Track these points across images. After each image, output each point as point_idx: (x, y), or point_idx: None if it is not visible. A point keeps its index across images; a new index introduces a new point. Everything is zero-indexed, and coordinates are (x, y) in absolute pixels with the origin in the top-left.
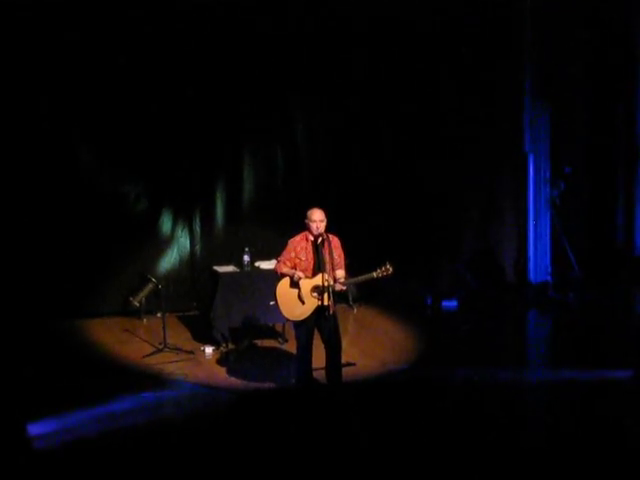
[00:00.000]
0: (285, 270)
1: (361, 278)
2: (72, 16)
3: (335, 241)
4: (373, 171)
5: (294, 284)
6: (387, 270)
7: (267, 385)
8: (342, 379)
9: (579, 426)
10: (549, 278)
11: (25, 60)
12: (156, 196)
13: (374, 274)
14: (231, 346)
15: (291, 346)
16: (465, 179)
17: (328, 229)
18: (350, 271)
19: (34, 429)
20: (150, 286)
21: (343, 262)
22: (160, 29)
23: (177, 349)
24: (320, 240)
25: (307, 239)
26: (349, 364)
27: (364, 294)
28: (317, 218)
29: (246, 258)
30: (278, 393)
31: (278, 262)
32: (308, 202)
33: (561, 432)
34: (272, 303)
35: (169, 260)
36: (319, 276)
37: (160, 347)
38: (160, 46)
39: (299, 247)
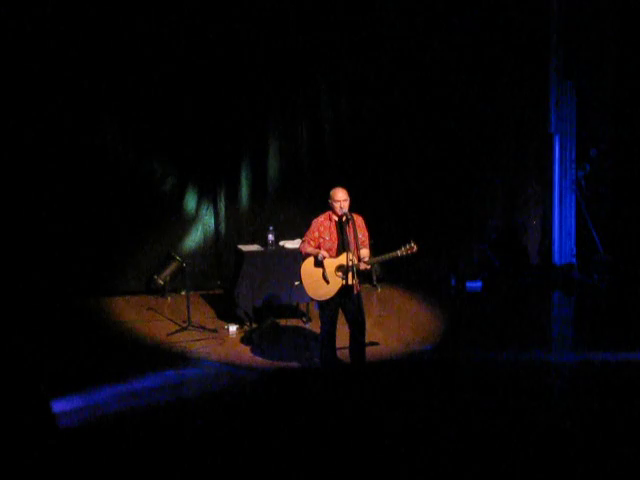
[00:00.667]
0: (309, 250)
1: (386, 256)
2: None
3: (359, 220)
4: (398, 152)
5: (318, 264)
6: (412, 248)
7: (291, 364)
8: (366, 359)
9: (604, 408)
10: (574, 260)
11: (54, 42)
12: (181, 175)
13: (398, 252)
14: (255, 325)
15: (315, 326)
16: (490, 160)
17: (353, 209)
18: (374, 251)
19: (59, 406)
20: (175, 264)
21: (367, 241)
22: (186, 10)
23: (201, 327)
24: (344, 219)
25: (330, 219)
26: (372, 343)
27: (388, 274)
28: (341, 197)
29: (270, 237)
30: (302, 372)
31: (302, 242)
32: (333, 181)
33: (586, 413)
34: (297, 283)
35: (194, 239)
36: (343, 255)
37: (184, 325)
38: (185, 27)
39: (322, 227)
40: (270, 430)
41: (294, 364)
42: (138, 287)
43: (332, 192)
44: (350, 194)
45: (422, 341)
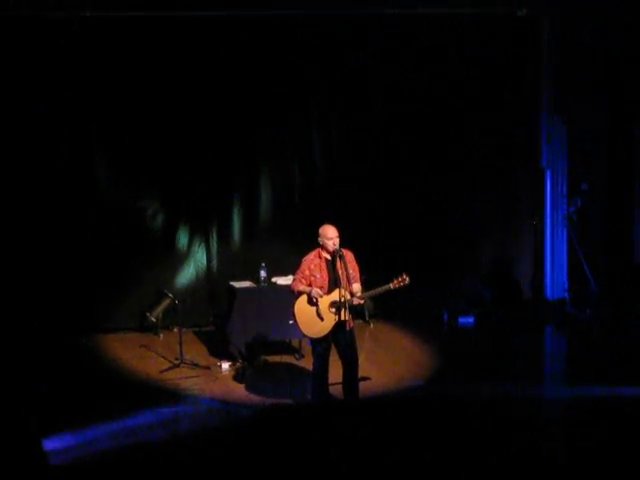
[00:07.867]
0: (301, 288)
1: (378, 290)
2: (92, 31)
3: (349, 255)
4: (390, 187)
5: (312, 301)
6: (404, 280)
7: (284, 401)
8: (359, 395)
9: (596, 443)
10: (566, 294)
11: (46, 75)
12: (173, 212)
13: (391, 285)
14: (247, 362)
15: (307, 362)
16: (482, 194)
17: (345, 244)
18: (367, 288)
19: (50, 444)
20: (167, 301)
21: (358, 275)
22: (177, 46)
23: (194, 364)
24: (336, 255)
25: (320, 256)
26: (363, 378)
27: (380, 310)
28: (333, 235)
29: (262, 274)
30: (295, 409)
31: (293, 280)
32: (325, 218)
33: (578, 449)
34: (291, 322)
35: (186, 276)
36: (336, 292)
37: (177, 362)
38: (177, 63)
39: (313, 265)
40: (264, 467)
41: (287, 401)
42: (130, 324)
43: (323, 230)
44: (342, 230)
45: (414, 376)
